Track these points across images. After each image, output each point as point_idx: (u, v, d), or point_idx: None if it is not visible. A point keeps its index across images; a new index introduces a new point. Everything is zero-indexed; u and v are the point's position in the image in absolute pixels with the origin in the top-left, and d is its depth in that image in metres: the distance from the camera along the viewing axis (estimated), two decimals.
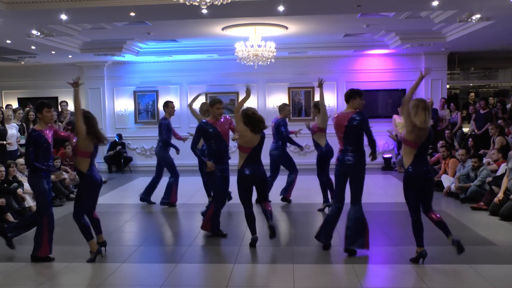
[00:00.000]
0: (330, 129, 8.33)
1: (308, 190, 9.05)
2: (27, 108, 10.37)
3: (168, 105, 8.29)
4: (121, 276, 5.04)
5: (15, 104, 12.38)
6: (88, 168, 5.31)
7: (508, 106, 11.13)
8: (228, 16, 8.12)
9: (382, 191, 9.54)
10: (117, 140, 13.03)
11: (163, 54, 12.14)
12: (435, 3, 7.12)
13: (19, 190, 7.56)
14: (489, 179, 7.84)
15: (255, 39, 9.24)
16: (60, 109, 11.96)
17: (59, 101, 13.02)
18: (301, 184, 8.90)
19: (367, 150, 5.45)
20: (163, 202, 8.20)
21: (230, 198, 7.82)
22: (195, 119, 7.97)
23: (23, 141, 9.33)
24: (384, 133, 12.59)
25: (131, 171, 13.08)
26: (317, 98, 12.55)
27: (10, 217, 7.17)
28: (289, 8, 7.25)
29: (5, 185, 7.51)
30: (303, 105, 13.06)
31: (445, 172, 9.29)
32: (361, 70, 12.87)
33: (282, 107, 8.08)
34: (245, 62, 9.58)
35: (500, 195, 7.16)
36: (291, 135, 8.09)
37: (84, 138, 5.24)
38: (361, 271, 4.95)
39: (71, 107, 12.37)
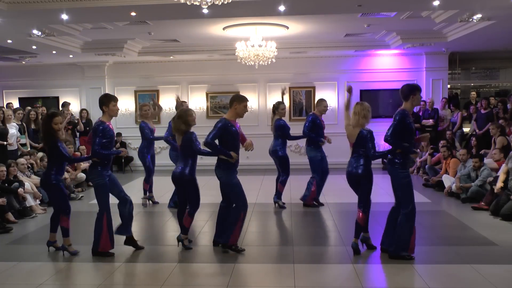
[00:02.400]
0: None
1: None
2: (29, 108, 10.40)
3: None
4: (121, 276, 5.05)
5: (16, 104, 12.40)
6: None
7: (509, 106, 11.11)
8: (229, 16, 8.12)
9: (382, 191, 9.53)
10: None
11: (164, 53, 12.14)
12: (436, 3, 7.10)
13: (20, 190, 7.57)
14: (490, 179, 7.83)
15: (256, 39, 9.23)
16: (61, 109, 12.03)
17: (60, 101, 13.11)
18: (301, 184, 8.87)
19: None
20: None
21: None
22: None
23: (23, 141, 9.36)
24: (384, 133, 12.64)
25: (132, 170, 13.09)
26: (318, 97, 12.62)
27: (11, 216, 7.19)
28: (290, 8, 7.24)
29: (6, 184, 7.52)
30: (303, 105, 13.05)
31: (446, 172, 9.28)
32: (362, 70, 12.87)
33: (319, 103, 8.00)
34: (246, 62, 9.57)
35: (499, 185, 7.28)
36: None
37: None
38: (362, 271, 4.95)
39: (72, 107, 12.44)
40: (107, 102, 5.54)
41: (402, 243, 5.19)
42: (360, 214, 5.42)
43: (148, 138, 8.24)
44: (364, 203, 5.42)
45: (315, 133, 7.76)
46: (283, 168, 7.97)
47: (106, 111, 5.58)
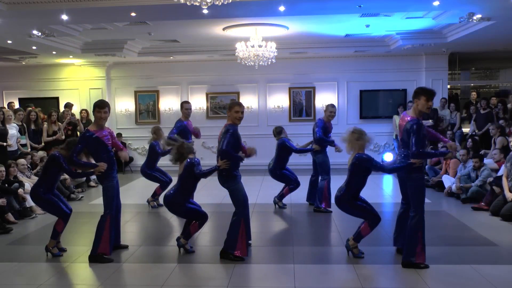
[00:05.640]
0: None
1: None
2: (30, 109, 10.39)
3: (182, 105, 8.27)
4: (121, 276, 5.05)
5: (16, 105, 12.39)
6: None
7: (509, 106, 11.12)
8: (229, 16, 8.12)
9: (382, 191, 9.54)
10: None
11: (164, 54, 12.14)
12: (436, 3, 7.10)
13: (20, 190, 7.57)
14: (490, 179, 7.83)
15: (256, 39, 9.23)
16: (61, 110, 12.02)
17: (60, 101, 13.12)
18: (302, 184, 8.88)
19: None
20: None
21: None
22: None
23: (23, 141, 9.37)
24: (385, 133, 12.65)
25: (132, 171, 13.08)
26: (318, 97, 12.66)
27: (11, 217, 7.19)
28: (290, 8, 7.25)
29: (6, 185, 7.52)
30: (303, 106, 13.05)
31: (446, 172, 9.28)
32: (362, 70, 12.86)
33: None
34: (246, 62, 9.57)
35: (509, 195, 7.07)
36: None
37: None
38: (362, 271, 4.94)
39: (73, 108, 12.44)
40: (93, 109, 5.45)
41: (412, 246, 5.01)
42: (367, 225, 5.30)
43: (155, 157, 8.15)
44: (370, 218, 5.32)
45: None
46: (286, 182, 8.00)
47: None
